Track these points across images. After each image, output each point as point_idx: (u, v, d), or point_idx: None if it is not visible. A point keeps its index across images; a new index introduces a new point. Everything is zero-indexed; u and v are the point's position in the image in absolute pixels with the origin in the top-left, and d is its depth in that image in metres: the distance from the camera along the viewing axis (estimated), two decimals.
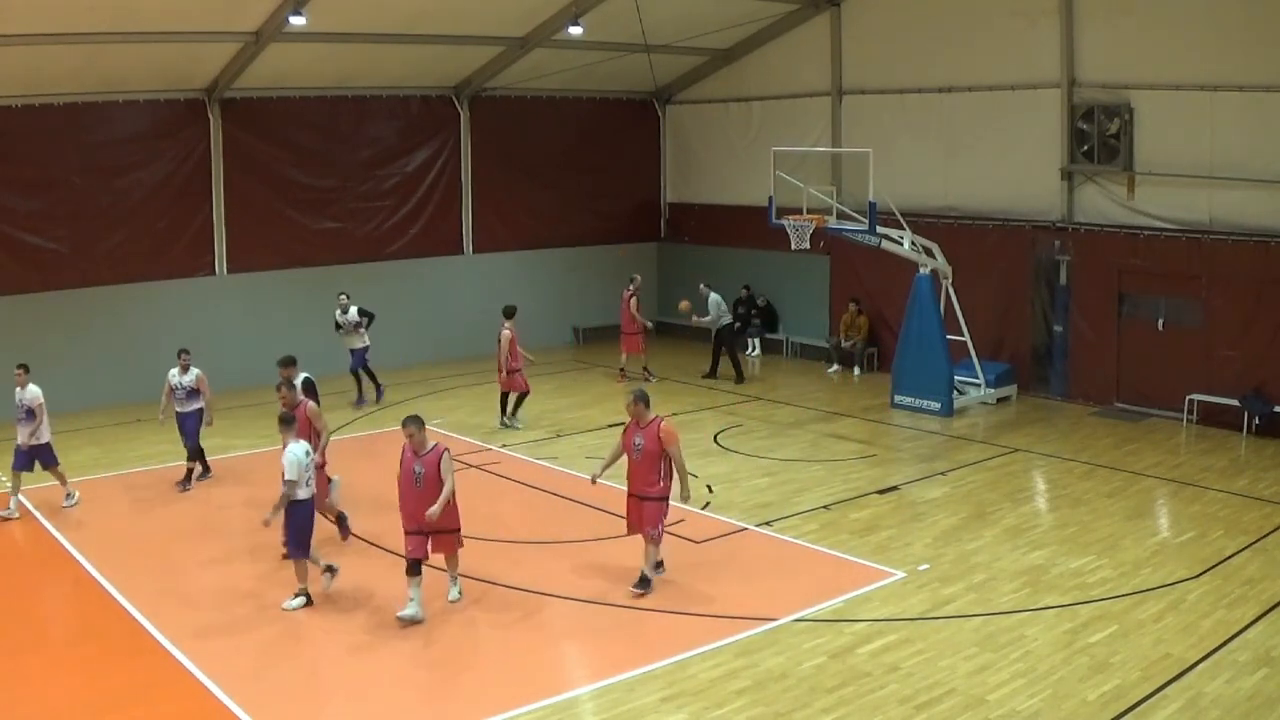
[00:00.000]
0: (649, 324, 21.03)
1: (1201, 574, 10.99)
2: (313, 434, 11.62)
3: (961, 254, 18.75)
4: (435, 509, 9.93)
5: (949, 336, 17.86)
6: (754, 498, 13.71)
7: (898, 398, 18.26)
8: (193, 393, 14.25)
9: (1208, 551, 11.61)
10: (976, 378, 18.41)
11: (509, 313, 17.31)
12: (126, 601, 10.63)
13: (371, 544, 12.15)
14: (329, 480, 12.05)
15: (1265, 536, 12.03)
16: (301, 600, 10.47)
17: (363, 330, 18.64)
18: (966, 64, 19.50)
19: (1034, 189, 18.78)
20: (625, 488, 10.94)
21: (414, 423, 10.18)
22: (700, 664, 9.24)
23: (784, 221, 17.77)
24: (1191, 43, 16.64)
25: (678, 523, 12.02)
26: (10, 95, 17.51)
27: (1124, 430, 16.75)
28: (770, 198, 18.04)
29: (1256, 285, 16.18)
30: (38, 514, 13.32)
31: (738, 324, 21.73)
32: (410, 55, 20.35)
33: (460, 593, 10.60)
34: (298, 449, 10.44)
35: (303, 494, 10.41)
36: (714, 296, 20.38)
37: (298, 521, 10.43)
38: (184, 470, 14.38)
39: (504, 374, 17.08)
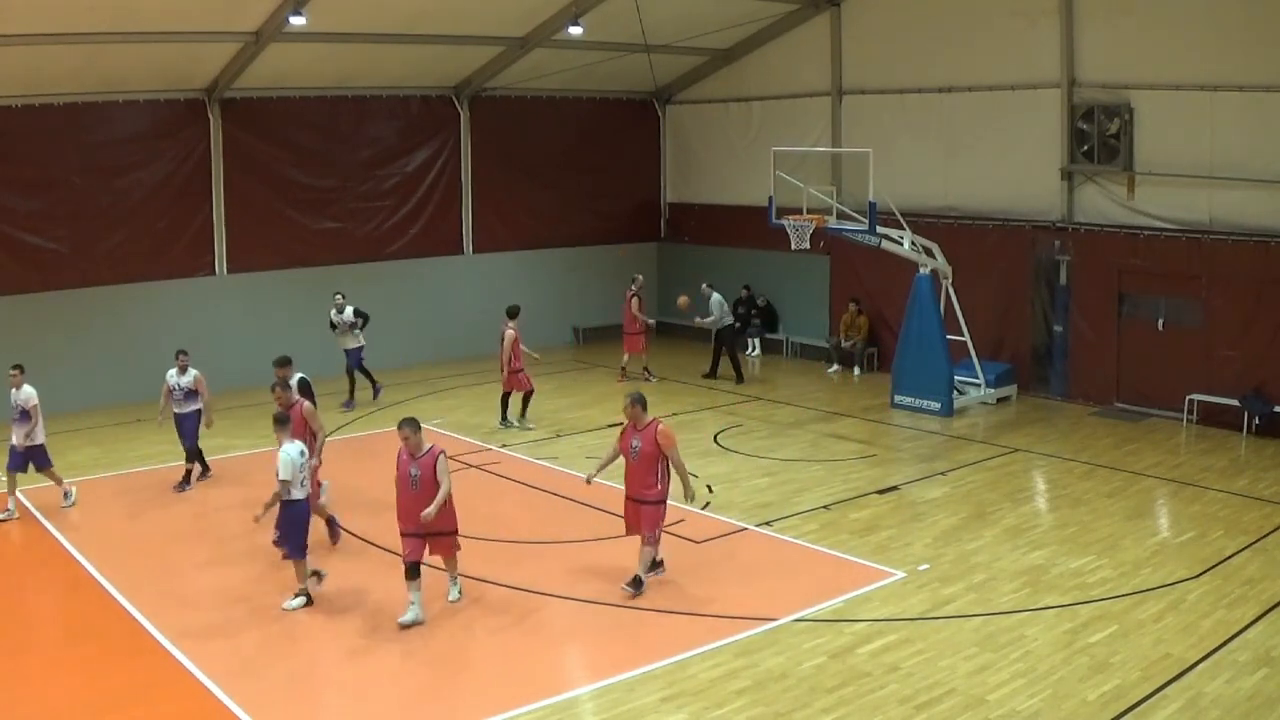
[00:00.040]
0: (651, 321, 21.04)
1: (1201, 574, 10.98)
2: (309, 434, 11.62)
3: (961, 254, 18.75)
4: (431, 510, 9.89)
5: (949, 336, 17.86)
6: (754, 498, 13.71)
7: (898, 398, 18.26)
8: (191, 393, 14.22)
9: (1208, 551, 11.61)
10: (976, 378, 18.41)
11: (512, 313, 17.34)
12: (126, 601, 10.63)
13: (370, 544, 12.14)
14: (318, 484, 12.02)
15: (1265, 536, 12.03)
16: (301, 600, 10.47)
17: (358, 331, 18.53)
18: (966, 64, 19.50)
19: (1034, 189, 18.78)
20: (624, 488, 10.93)
21: (409, 425, 10.14)
22: (700, 664, 9.23)
23: (784, 221, 17.77)
24: (1191, 43, 16.64)
25: (678, 523, 12.02)
26: (10, 95, 17.51)
27: (1124, 430, 16.75)
28: (770, 198, 18.04)
29: (1256, 285, 16.18)
30: (37, 514, 13.31)
31: (738, 324, 21.73)
32: (410, 55, 20.35)
33: (460, 593, 10.59)
34: (292, 449, 10.43)
35: (297, 494, 10.40)
36: (716, 297, 20.38)
37: (293, 521, 10.42)
38: (183, 472, 14.38)
39: (506, 373, 17.12)
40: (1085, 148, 18.07)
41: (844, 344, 21.30)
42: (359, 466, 14.68)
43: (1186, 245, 16.94)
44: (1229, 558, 11.41)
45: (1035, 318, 19.05)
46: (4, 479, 13.38)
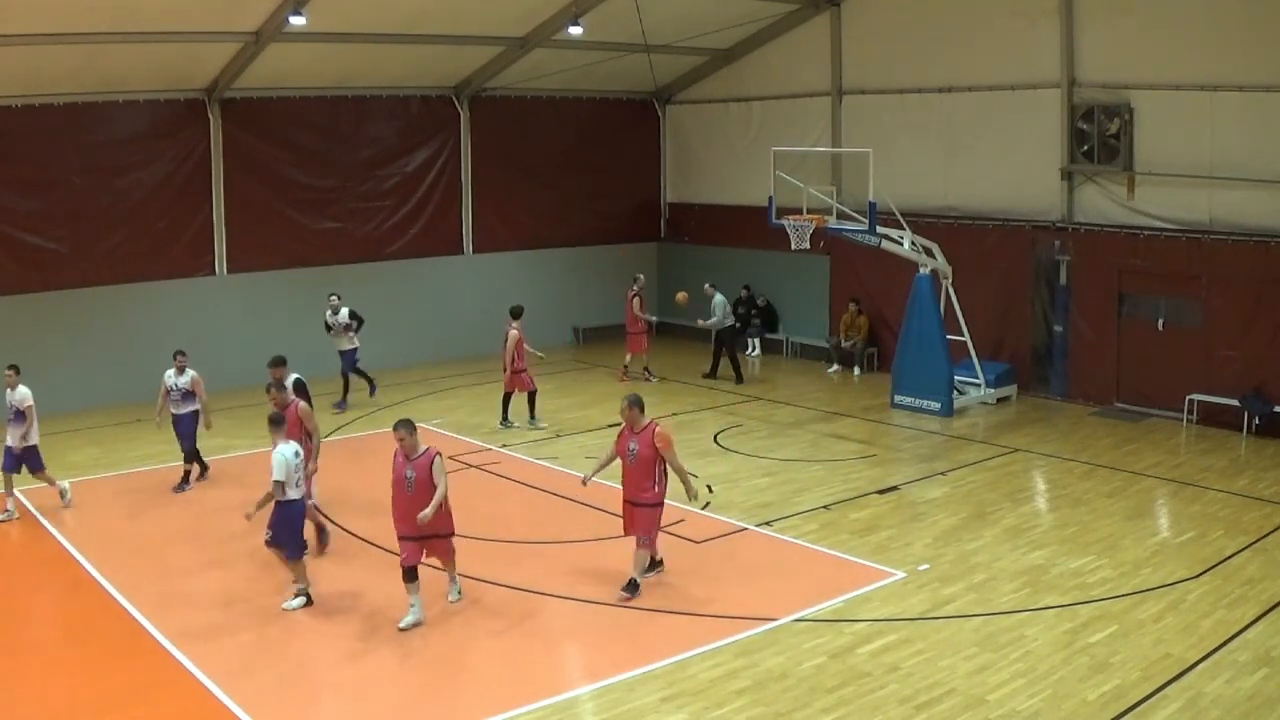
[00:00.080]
0: (652, 318, 21.03)
1: (1201, 574, 10.98)
2: (304, 435, 11.60)
3: (961, 254, 18.75)
4: (427, 512, 9.85)
5: (949, 336, 17.86)
6: (754, 498, 13.70)
7: (898, 398, 18.26)
8: (188, 394, 14.18)
9: (1208, 551, 11.61)
10: (976, 378, 18.41)
11: (516, 313, 17.33)
12: (126, 602, 10.63)
13: (369, 543, 12.13)
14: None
15: (1265, 536, 12.02)
16: (301, 600, 10.47)
17: (353, 333, 18.48)
18: (966, 64, 19.49)
19: (1034, 189, 18.78)
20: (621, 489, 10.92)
21: (405, 427, 10.10)
22: (700, 664, 9.23)
23: (784, 221, 17.76)
24: (1191, 43, 16.63)
25: (678, 523, 12.03)
26: (10, 95, 17.51)
27: (1124, 430, 16.74)
28: (770, 198, 18.03)
29: (1256, 285, 16.18)
30: (37, 515, 13.31)
31: (738, 324, 21.73)
32: (410, 55, 20.35)
33: (460, 593, 10.59)
34: (286, 449, 10.42)
35: (292, 494, 10.39)
36: (719, 298, 20.38)
37: (288, 521, 10.41)
38: (181, 473, 14.37)
39: (508, 374, 17.12)
40: (1085, 148, 18.07)
41: (844, 344, 21.30)
42: (356, 467, 14.68)
43: (1186, 245, 16.94)
44: (1229, 558, 11.41)
45: (1035, 318, 19.05)
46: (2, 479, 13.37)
